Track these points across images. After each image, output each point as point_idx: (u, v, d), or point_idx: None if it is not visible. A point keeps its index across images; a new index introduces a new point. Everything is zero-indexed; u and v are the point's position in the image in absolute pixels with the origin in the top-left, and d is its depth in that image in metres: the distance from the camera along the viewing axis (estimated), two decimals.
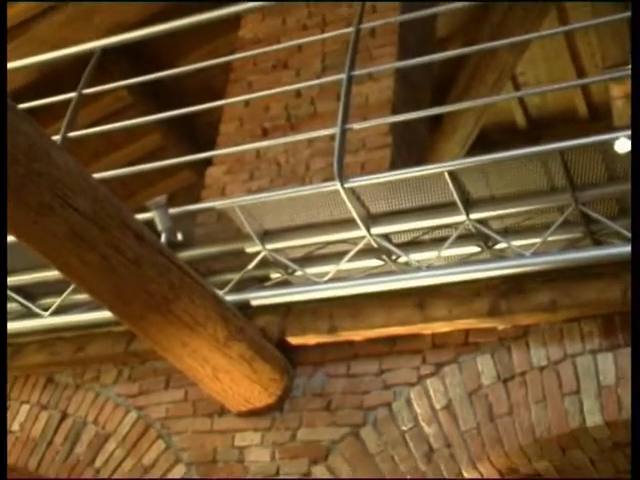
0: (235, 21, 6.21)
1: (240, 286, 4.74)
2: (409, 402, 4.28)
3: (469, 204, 4.39)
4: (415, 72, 5.77)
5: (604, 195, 4.22)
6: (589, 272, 4.03)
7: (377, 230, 4.53)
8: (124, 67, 6.91)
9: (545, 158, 4.12)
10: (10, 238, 4.27)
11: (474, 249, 4.55)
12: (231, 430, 4.57)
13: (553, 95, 8.45)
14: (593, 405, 3.91)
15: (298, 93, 5.71)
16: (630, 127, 3.72)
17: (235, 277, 4.76)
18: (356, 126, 4.63)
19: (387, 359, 4.43)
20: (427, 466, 4.13)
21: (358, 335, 4.49)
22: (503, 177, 4.28)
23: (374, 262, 4.70)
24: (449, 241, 4.45)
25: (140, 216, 4.47)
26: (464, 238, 4.49)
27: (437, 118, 7.49)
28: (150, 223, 4.60)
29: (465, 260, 4.53)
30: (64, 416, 4.98)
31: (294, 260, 4.76)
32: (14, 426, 5.05)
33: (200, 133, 7.69)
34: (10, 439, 5.03)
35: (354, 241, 4.59)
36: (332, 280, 4.56)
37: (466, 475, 4.07)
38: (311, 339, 4.58)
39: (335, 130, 4.48)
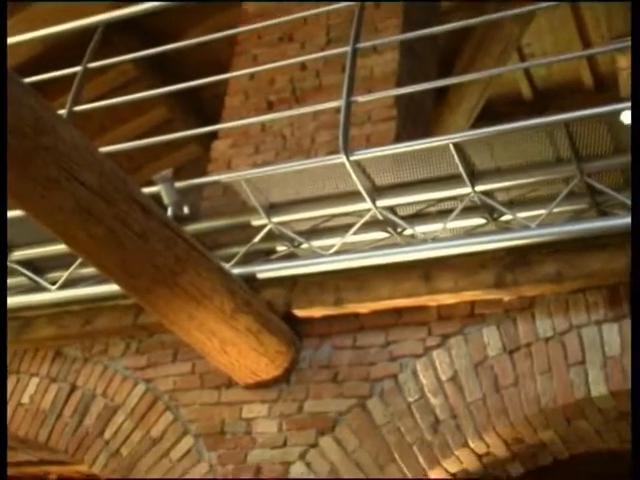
0: None
1: (246, 259, 4.76)
2: (415, 374, 4.30)
3: (474, 176, 4.39)
4: (420, 44, 5.76)
5: (609, 166, 4.22)
6: (594, 243, 4.04)
7: (383, 202, 4.54)
8: (129, 41, 6.90)
9: (550, 129, 4.12)
10: (18, 212, 4.31)
11: (479, 221, 4.55)
12: (238, 402, 4.61)
13: (559, 66, 8.40)
14: (598, 375, 3.93)
15: (303, 66, 5.71)
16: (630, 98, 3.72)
17: (241, 250, 4.78)
18: (361, 99, 4.63)
19: (393, 331, 4.46)
20: (433, 437, 4.16)
21: (364, 307, 4.51)
22: (508, 149, 4.27)
23: (380, 234, 4.71)
24: (454, 213, 4.45)
25: (146, 190, 4.49)
26: (469, 210, 4.49)
27: (442, 90, 7.46)
28: (156, 197, 4.62)
29: (470, 232, 4.54)
30: (73, 388, 5.02)
31: (300, 233, 4.77)
32: (24, 398, 5.10)
33: (206, 107, 7.68)
34: (20, 411, 5.08)
35: (360, 214, 4.60)
36: (338, 253, 4.57)
37: (472, 445, 4.10)
38: (317, 311, 4.60)
39: (340, 103, 4.48)
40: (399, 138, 5.15)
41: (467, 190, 4.39)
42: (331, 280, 4.53)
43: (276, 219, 4.73)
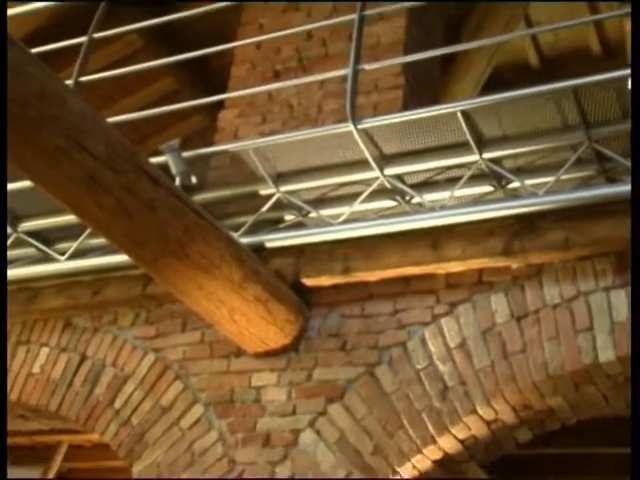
0: None
1: (254, 228, 4.76)
2: (423, 341, 4.32)
3: (482, 144, 4.39)
4: (427, 12, 5.72)
5: (617, 132, 4.20)
6: (602, 210, 4.04)
7: (390, 171, 4.54)
8: (134, 11, 6.86)
9: (558, 97, 4.10)
10: (26, 183, 4.32)
11: (487, 189, 4.55)
12: (248, 371, 4.63)
13: (566, 33, 8.34)
14: (606, 341, 3.94)
15: (309, 35, 5.68)
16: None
17: (249, 220, 4.78)
18: (368, 67, 4.62)
19: (401, 299, 4.47)
20: (442, 404, 4.18)
21: (372, 276, 4.52)
22: (516, 117, 4.26)
23: (387, 203, 4.71)
24: (462, 181, 4.45)
25: (154, 159, 4.49)
26: (477, 178, 4.49)
27: (449, 59, 7.42)
28: (164, 167, 4.62)
29: (478, 200, 4.54)
30: (83, 358, 5.05)
31: (308, 202, 4.77)
32: (35, 368, 5.14)
33: (212, 78, 7.64)
34: (31, 381, 5.12)
35: (367, 182, 4.60)
36: (346, 221, 4.57)
37: (480, 411, 4.12)
38: (326, 280, 4.61)
39: (347, 71, 4.47)
40: (406, 106, 5.13)
41: (475, 158, 4.39)
42: (339, 249, 4.54)
43: (284, 188, 4.73)
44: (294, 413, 4.44)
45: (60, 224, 5.08)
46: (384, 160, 4.54)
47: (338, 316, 4.58)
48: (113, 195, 3.61)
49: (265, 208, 4.78)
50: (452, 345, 4.25)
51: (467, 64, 7.80)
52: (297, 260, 4.63)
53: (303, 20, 5.73)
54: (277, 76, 5.70)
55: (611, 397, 4.28)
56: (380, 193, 4.63)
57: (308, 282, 4.64)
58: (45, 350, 5.17)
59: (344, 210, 4.64)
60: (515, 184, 4.45)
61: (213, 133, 5.73)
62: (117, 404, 4.84)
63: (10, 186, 4.65)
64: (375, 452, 4.21)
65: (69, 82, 4.78)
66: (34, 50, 4.12)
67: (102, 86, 7.13)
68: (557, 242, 4.11)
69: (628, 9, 4.08)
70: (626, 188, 3.92)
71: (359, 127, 4.33)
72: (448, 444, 4.23)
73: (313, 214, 4.78)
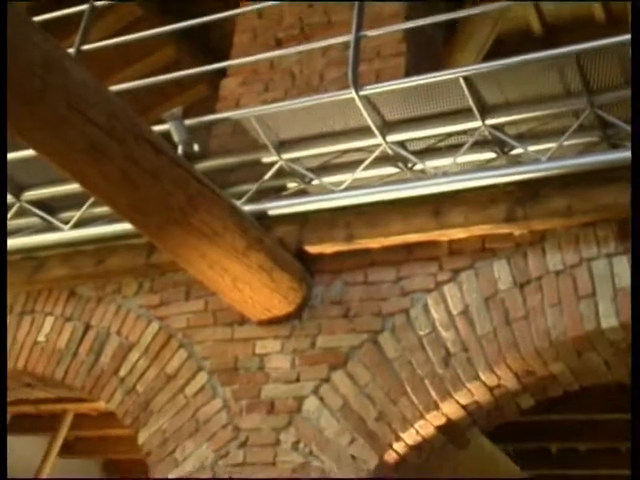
0: None
1: (257, 197, 4.77)
2: (426, 308, 4.34)
3: (485, 110, 4.38)
4: None
5: (620, 98, 4.18)
6: (604, 177, 4.04)
7: (393, 138, 4.54)
8: None
9: (561, 63, 4.09)
10: (30, 152, 4.32)
11: (490, 155, 4.54)
12: (251, 338, 4.66)
13: None
14: (608, 308, 3.95)
15: (311, 3, 5.65)
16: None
17: (252, 188, 4.79)
18: (370, 33, 4.60)
19: (404, 266, 4.48)
20: (445, 370, 4.20)
21: (375, 243, 4.53)
22: (519, 84, 4.25)
23: (390, 170, 4.70)
24: (465, 147, 4.45)
25: (156, 128, 4.49)
26: (480, 144, 4.49)
27: (452, 27, 7.39)
28: (166, 136, 4.62)
29: (481, 166, 4.53)
30: (88, 328, 5.07)
31: (310, 169, 4.78)
32: (40, 337, 5.16)
33: (214, 47, 7.62)
34: (36, 350, 5.14)
35: (370, 149, 4.59)
36: (348, 189, 4.58)
37: (483, 378, 4.14)
38: (328, 248, 4.62)
39: (349, 38, 4.46)
40: (409, 74, 5.10)
41: (477, 124, 4.38)
42: (342, 216, 4.55)
43: (286, 156, 4.73)
44: (298, 380, 4.47)
45: (63, 193, 5.09)
46: (386, 127, 4.54)
47: (341, 283, 4.60)
48: (116, 164, 3.62)
49: (268, 176, 4.78)
50: (455, 312, 4.27)
51: (470, 32, 7.76)
52: (300, 228, 4.63)
53: None
54: (279, 44, 5.68)
55: (613, 364, 4.30)
56: (382, 160, 4.63)
57: (311, 250, 4.65)
58: (50, 319, 5.19)
59: (346, 177, 4.64)
60: (518, 150, 4.44)
61: (215, 102, 5.72)
62: (122, 372, 4.87)
63: (13, 155, 4.66)
64: (378, 418, 4.24)
65: (71, 50, 4.77)
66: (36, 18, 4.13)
67: (103, 57, 7.10)
68: (560, 209, 4.11)
69: None
70: (628, 154, 3.91)
71: (361, 94, 4.32)
72: (451, 410, 4.26)
73: (316, 182, 4.78)
